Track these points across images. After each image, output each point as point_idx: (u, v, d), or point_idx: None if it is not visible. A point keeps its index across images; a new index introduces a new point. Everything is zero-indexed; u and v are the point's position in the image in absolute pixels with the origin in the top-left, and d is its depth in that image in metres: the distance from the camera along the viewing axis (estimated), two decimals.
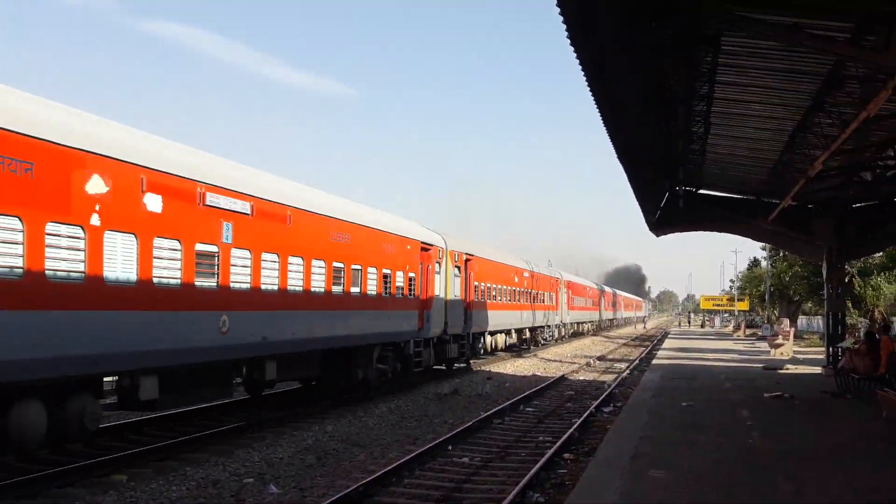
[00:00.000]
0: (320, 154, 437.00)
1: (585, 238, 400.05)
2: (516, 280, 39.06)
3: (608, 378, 29.22)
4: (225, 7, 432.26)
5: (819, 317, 57.89)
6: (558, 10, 10.61)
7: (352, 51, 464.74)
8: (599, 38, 12.40)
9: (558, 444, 14.41)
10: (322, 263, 17.62)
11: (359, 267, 19.45)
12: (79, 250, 10.99)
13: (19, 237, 10.02)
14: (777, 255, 64.94)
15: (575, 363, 35.92)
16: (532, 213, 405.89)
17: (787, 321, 52.25)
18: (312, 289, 17.19)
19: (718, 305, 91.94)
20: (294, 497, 11.14)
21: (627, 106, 16.77)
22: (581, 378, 29.19)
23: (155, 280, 12.41)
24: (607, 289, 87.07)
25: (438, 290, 25.78)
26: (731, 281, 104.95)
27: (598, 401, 20.83)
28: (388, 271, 21.31)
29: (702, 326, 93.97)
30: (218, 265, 13.80)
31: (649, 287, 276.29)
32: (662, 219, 30.94)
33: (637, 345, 56.37)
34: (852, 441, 13.37)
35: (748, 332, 65.32)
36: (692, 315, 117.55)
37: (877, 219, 26.83)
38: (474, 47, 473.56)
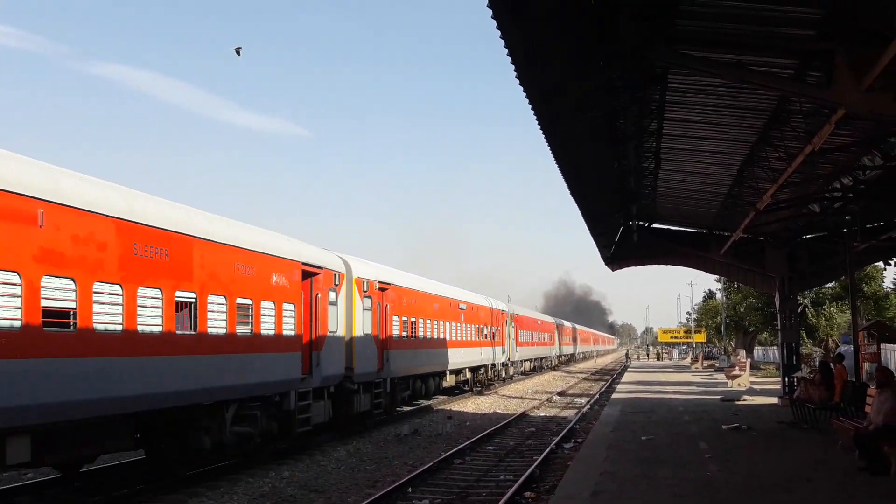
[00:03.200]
0: (273, 194, 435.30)
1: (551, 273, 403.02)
2: (451, 313, 34.14)
3: (569, 413, 29.20)
4: (175, 50, 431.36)
5: (774, 347, 58.64)
6: (507, 51, 10.72)
7: (303, 91, 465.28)
8: (548, 78, 12.55)
9: (519, 482, 14.32)
10: (117, 290, 12.14)
11: (191, 295, 13.99)
12: None
13: None
14: (731, 287, 65.83)
15: (536, 399, 35.85)
16: (495, 250, 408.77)
17: (743, 352, 52.91)
18: (97, 325, 11.73)
19: (676, 338, 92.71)
20: None
21: (578, 143, 16.98)
22: (542, 414, 29.12)
23: None
24: (566, 323, 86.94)
25: (336, 324, 20.26)
26: (688, 313, 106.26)
27: (559, 437, 20.80)
28: (246, 301, 15.79)
29: (658, 359, 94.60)
30: None
31: (613, 321, 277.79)
32: (617, 253, 31.27)
33: (597, 379, 56.49)
34: (809, 471, 13.45)
35: (706, 363, 65.80)
36: (650, 348, 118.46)
37: (827, 250, 27.34)
38: (426, 89, 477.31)
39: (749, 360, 48.93)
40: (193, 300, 14.12)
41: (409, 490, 14.28)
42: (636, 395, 32.78)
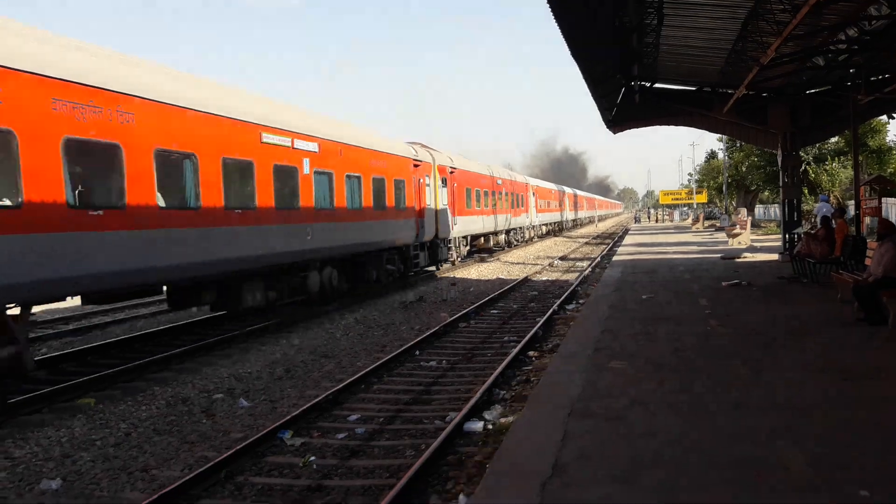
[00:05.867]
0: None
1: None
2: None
3: (570, 277, 29.60)
4: None
5: (775, 205, 58.84)
6: None
7: None
8: None
9: (522, 342, 14.66)
10: None
11: None
12: None
13: None
14: (734, 146, 65.51)
15: (538, 265, 36.26)
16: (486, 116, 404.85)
17: (744, 211, 53.14)
18: None
19: (677, 199, 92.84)
20: (265, 409, 11.27)
21: (579, 2, 16.49)
22: (544, 279, 29.51)
23: None
24: (567, 189, 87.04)
25: None
26: (690, 174, 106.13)
27: (561, 299, 21.16)
28: None
29: (656, 222, 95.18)
30: None
31: (607, 180, 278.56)
32: (619, 115, 30.87)
33: (598, 243, 56.98)
34: (808, 322, 13.71)
35: (707, 223, 66.23)
36: (651, 210, 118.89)
37: (830, 104, 26.99)
38: None
39: (750, 218, 49.22)
40: None
41: (417, 353, 14.64)
42: (637, 256, 33.10)
